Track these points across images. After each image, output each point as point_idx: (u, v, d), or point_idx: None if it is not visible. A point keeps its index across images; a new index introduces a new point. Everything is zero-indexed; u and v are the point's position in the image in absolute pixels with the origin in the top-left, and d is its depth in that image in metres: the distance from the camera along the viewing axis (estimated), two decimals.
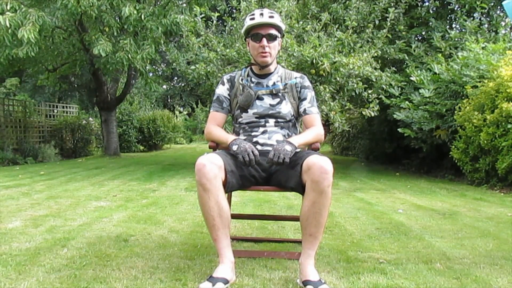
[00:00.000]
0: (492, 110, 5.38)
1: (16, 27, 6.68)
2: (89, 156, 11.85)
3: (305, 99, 2.30)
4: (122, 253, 2.39)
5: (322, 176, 1.84)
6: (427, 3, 7.84)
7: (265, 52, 2.22)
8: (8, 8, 6.86)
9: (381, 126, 8.92)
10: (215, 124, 2.31)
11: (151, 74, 11.60)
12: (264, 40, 2.20)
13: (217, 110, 2.33)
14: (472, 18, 7.05)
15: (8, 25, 6.61)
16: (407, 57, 7.18)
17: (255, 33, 2.21)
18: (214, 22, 6.74)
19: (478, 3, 6.83)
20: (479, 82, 5.77)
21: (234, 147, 2.05)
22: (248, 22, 2.22)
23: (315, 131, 2.21)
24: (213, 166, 1.90)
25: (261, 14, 2.20)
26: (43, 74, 11.45)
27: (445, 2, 7.39)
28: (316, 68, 6.22)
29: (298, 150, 2.29)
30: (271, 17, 2.20)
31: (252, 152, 2.00)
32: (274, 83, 2.30)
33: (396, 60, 7.38)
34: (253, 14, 2.23)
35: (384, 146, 9.06)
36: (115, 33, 8.08)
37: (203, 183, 1.89)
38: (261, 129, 2.26)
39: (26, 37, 6.60)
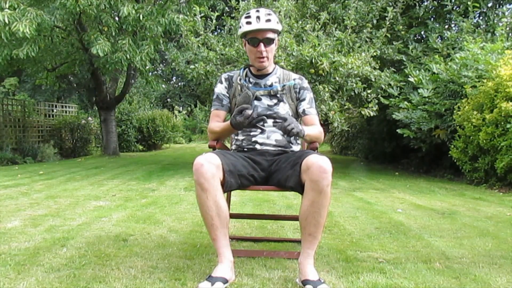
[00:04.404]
0: (491, 109, 5.38)
1: (13, 23, 6.67)
2: (88, 156, 11.84)
3: (304, 100, 2.29)
4: (121, 252, 2.39)
5: (321, 176, 1.84)
6: (426, 3, 7.84)
7: (263, 57, 2.20)
8: (7, 6, 6.86)
9: (380, 126, 8.93)
10: (216, 122, 2.30)
11: (150, 74, 11.60)
12: (261, 45, 2.17)
13: (217, 108, 2.33)
14: (468, 18, 7.05)
15: (7, 21, 6.60)
16: (405, 58, 7.17)
17: (252, 37, 2.17)
18: (214, 21, 6.74)
19: (469, 3, 6.84)
20: (478, 81, 5.78)
21: (236, 119, 2.03)
22: (244, 26, 2.15)
23: (317, 128, 2.20)
24: (211, 165, 1.90)
25: (258, 18, 2.13)
26: (42, 73, 11.44)
27: (442, 3, 7.39)
28: (315, 67, 6.22)
29: (296, 150, 2.30)
30: (268, 20, 2.14)
31: (247, 115, 1.99)
32: (272, 84, 2.30)
33: (395, 60, 7.38)
34: (249, 16, 2.15)
35: (383, 146, 9.07)
36: (114, 33, 8.07)
37: (201, 182, 1.89)
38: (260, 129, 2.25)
39: (21, 31, 6.58)
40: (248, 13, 2.19)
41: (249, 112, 2.00)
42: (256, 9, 2.19)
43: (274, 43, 2.22)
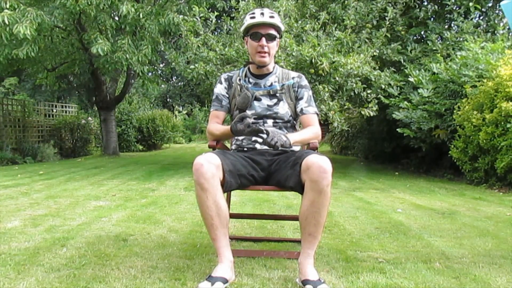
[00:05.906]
0: (491, 109, 5.38)
1: (14, 24, 6.68)
2: (88, 156, 11.84)
3: (301, 98, 2.30)
4: (121, 252, 2.39)
5: (321, 176, 1.84)
6: (426, 3, 7.83)
7: (264, 52, 2.21)
8: (7, 6, 6.86)
9: (380, 126, 8.92)
10: (216, 123, 2.31)
11: (150, 74, 11.59)
12: (264, 39, 2.19)
13: (217, 109, 2.34)
14: (469, 19, 7.05)
15: (6, 22, 6.61)
16: (404, 59, 7.15)
17: (255, 32, 2.20)
18: (213, 21, 6.74)
19: (471, 4, 6.84)
20: (478, 81, 5.78)
21: (237, 127, 2.04)
22: (248, 21, 2.21)
23: (311, 130, 2.21)
24: (210, 165, 1.90)
25: (262, 14, 2.19)
26: (42, 73, 11.44)
27: (443, 3, 7.39)
28: (315, 67, 6.22)
29: (296, 149, 2.29)
30: (272, 17, 2.19)
31: (248, 123, 2.00)
32: (271, 84, 2.30)
33: (395, 61, 7.38)
34: (253, 13, 2.22)
35: (383, 146, 9.06)
36: (111, 34, 8.08)
37: (201, 182, 1.89)
38: None
39: (22, 33, 6.59)
40: (253, 11, 2.24)
41: (250, 120, 2.01)
42: (261, 9, 2.23)
43: (276, 41, 2.24)
